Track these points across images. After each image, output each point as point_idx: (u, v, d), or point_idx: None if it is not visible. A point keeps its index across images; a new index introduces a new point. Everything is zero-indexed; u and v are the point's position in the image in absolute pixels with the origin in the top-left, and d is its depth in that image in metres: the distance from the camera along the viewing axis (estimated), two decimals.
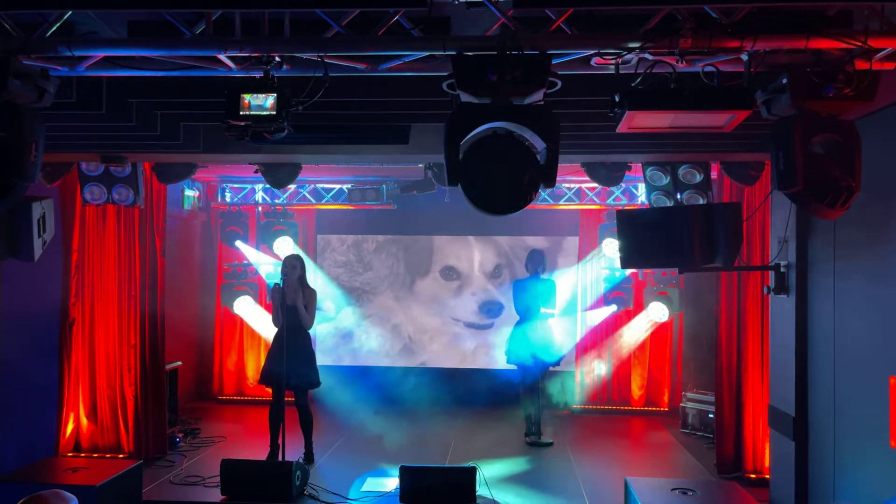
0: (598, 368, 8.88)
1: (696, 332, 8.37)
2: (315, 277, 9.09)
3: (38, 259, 4.68)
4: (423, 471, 5.53)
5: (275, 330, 6.43)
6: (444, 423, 8.05)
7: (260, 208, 9.02)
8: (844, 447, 4.50)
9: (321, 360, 9.14)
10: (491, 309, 9.11)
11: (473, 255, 9.21)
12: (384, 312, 9.32)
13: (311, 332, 6.57)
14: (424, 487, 5.35)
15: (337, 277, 9.34)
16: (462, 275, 9.21)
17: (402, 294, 9.31)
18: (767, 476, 5.68)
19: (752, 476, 5.97)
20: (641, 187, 7.66)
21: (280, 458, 5.93)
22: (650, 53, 3.27)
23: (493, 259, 9.18)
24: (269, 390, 6.56)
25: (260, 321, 8.94)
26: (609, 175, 6.10)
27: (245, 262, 8.94)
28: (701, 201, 5.93)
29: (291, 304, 6.28)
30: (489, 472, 6.05)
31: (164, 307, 6.80)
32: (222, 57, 3.45)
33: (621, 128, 3.57)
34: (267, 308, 8.65)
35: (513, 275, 8.99)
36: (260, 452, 6.47)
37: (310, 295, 6.45)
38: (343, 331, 9.32)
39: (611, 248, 8.34)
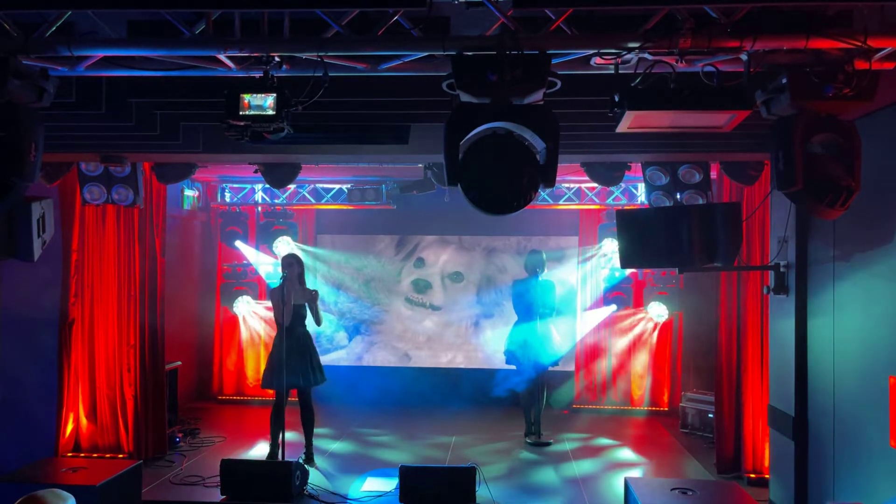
0: (597, 368, 8.88)
1: (696, 332, 8.37)
2: (316, 280, 9.11)
3: (37, 259, 4.68)
4: (423, 471, 5.53)
5: (274, 333, 6.44)
6: (444, 423, 8.05)
7: (260, 208, 9.02)
8: (844, 447, 4.50)
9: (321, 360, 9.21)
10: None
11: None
12: (390, 330, 9.38)
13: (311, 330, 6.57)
14: (424, 487, 5.35)
15: (349, 311, 9.38)
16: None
17: (398, 305, 9.38)
18: (767, 476, 5.68)
19: (752, 476, 5.96)
20: (641, 187, 7.66)
21: (280, 458, 5.93)
22: (650, 53, 3.27)
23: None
24: (271, 391, 6.56)
25: (260, 321, 8.95)
26: (609, 175, 6.10)
27: (245, 262, 8.94)
28: (701, 201, 5.93)
29: (296, 304, 6.27)
30: (489, 472, 6.05)
31: (163, 307, 6.80)
32: (222, 57, 3.45)
33: (621, 128, 3.57)
34: (267, 307, 8.65)
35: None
36: (260, 452, 6.47)
37: (311, 295, 6.44)
38: (356, 355, 9.40)
39: (610, 247, 8.35)
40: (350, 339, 9.38)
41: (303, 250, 8.95)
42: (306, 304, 6.38)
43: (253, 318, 9.01)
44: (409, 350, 9.32)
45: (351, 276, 9.35)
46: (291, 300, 6.20)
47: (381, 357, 9.34)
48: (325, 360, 9.07)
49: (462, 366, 9.23)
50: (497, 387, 8.16)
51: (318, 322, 6.42)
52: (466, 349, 9.24)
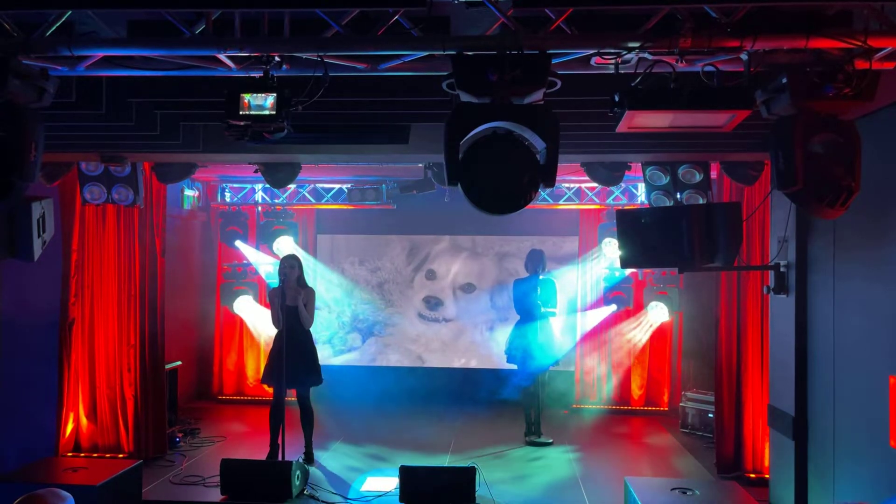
0: (597, 368, 8.88)
1: (696, 332, 8.37)
2: (317, 280, 9.11)
3: (37, 259, 4.68)
4: (423, 471, 5.53)
5: (275, 330, 6.43)
6: (444, 423, 8.05)
7: (260, 208, 9.02)
8: (844, 447, 4.50)
9: (322, 359, 9.21)
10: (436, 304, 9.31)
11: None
12: (404, 332, 9.39)
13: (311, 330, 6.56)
14: (424, 487, 5.35)
15: (363, 312, 9.40)
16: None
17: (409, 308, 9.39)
18: (767, 476, 5.68)
19: (752, 476, 5.97)
20: (641, 187, 7.65)
21: (280, 458, 5.93)
22: (650, 53, 3.27)
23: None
24: (270, 389, 6.56)
25: (260, 321, 8.95)
26: (609, 175, 6.10)
27: (245, 261, 8.94)
28: (701, 201, 5.93)
29: (291, 305, 6.27)
30: (489, 472, 6.05)
31: (163, 307, 6.80)
32: (222, 57, 3.45)
33: (621, 127, 3.57)
34: (267, 308, 8.64)
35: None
36: (260, 452, 6.47)
37: (309, 294, 6.45)
38: (370, 356, 9.41)
39: (611, 247, 8.35)
40: (364, 341, 9.40)
41: (307, 259, 8.93)
42: (304, 304, 6.36)
43: (253, 318, 9.00)
44: (423, 353, 9.34)
45: (364, 279, 9.38)
46: (287, 302, 6.19)
47: (394, 359, 9.35)
48: (338, 360, 9.17)
49: (462, 365, 9.23)
50: (507, 388, 8.18)
51: (305, 323, 6.36)
52: (480, 354, 9.23)
